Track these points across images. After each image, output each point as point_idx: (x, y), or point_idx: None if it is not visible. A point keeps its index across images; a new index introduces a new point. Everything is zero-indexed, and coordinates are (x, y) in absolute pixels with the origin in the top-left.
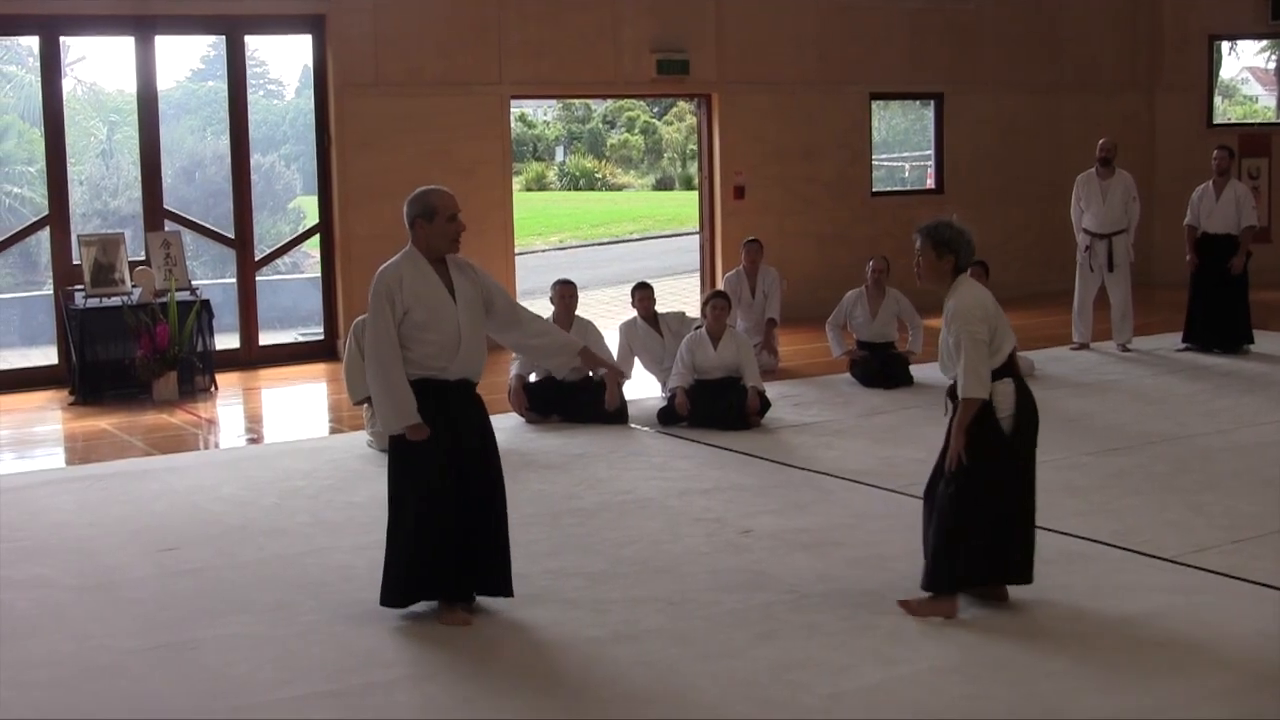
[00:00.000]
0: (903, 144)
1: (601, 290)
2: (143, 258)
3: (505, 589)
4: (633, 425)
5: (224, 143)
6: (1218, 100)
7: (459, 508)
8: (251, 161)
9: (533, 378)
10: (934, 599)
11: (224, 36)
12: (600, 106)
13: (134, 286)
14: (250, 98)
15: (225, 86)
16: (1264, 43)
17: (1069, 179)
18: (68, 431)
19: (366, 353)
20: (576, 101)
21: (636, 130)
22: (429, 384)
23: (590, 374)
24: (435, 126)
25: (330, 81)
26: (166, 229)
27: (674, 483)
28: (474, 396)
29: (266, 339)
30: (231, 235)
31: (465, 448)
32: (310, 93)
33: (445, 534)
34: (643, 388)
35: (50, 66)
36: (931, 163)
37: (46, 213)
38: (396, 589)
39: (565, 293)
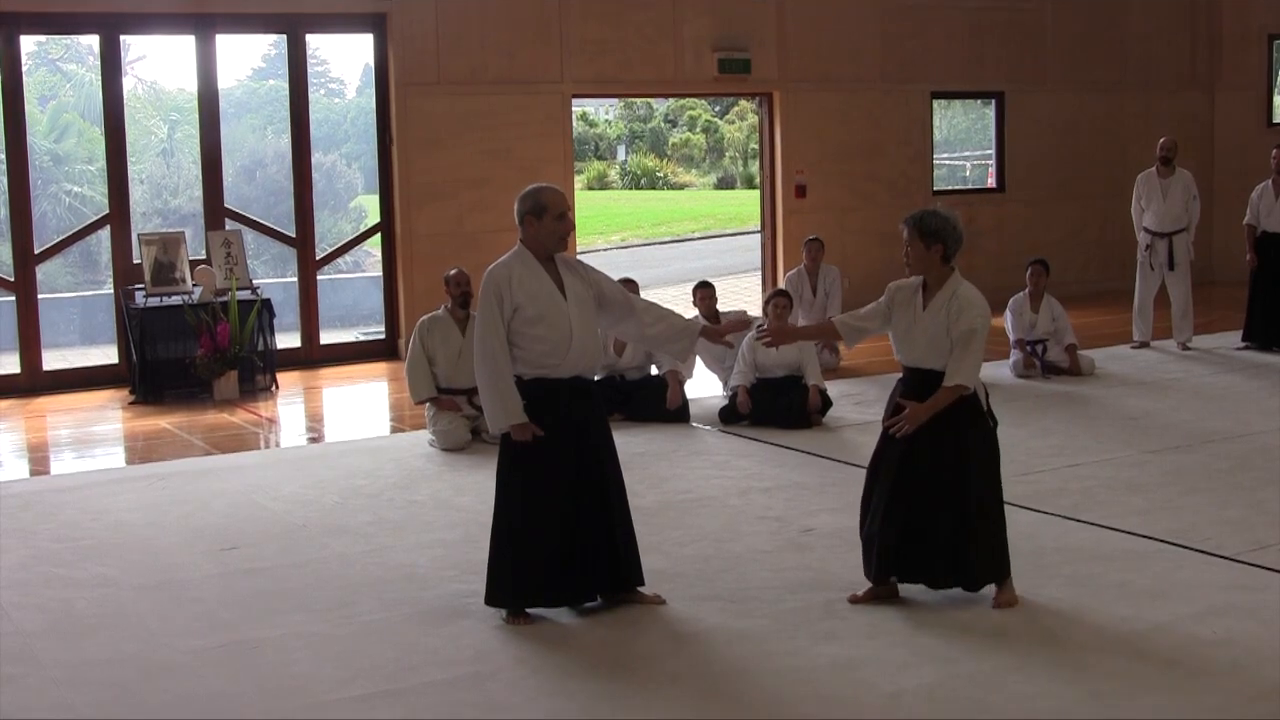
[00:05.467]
0: (964, 142)
1: (663, 289)
2: (203, 256)
3: (634, 580)
4: (694, 424)
5: (285, 141)
6: (1277, 99)
7: (573, 508)
8: (312, 160)
9: (594, 376)
10: (1006, 588)
11: (285, 35)
12: (662, 105)
13: (195, 285)
14: (311, 96)
15: (286, 85)
16: None
17: (1129, 178)
18: (128, 430)
19: (475, 351)
20: (638, 100)
21: (698, 129)
22: (542, 383)
23: (652, 372)
24: (497, 125)
25: (392, 80)
26: (227, 228)
27: (735, 481)
28: (588, 394)
29: (327, 338)
30: (292, 234)
31: (580, 446)
32: (371, 91)
33: (553, 536)
34: (704, 386)
35: (111, 65)
36: (992, 161)
37: (107, 211)
38: (503, 590)
39: (628, 290)
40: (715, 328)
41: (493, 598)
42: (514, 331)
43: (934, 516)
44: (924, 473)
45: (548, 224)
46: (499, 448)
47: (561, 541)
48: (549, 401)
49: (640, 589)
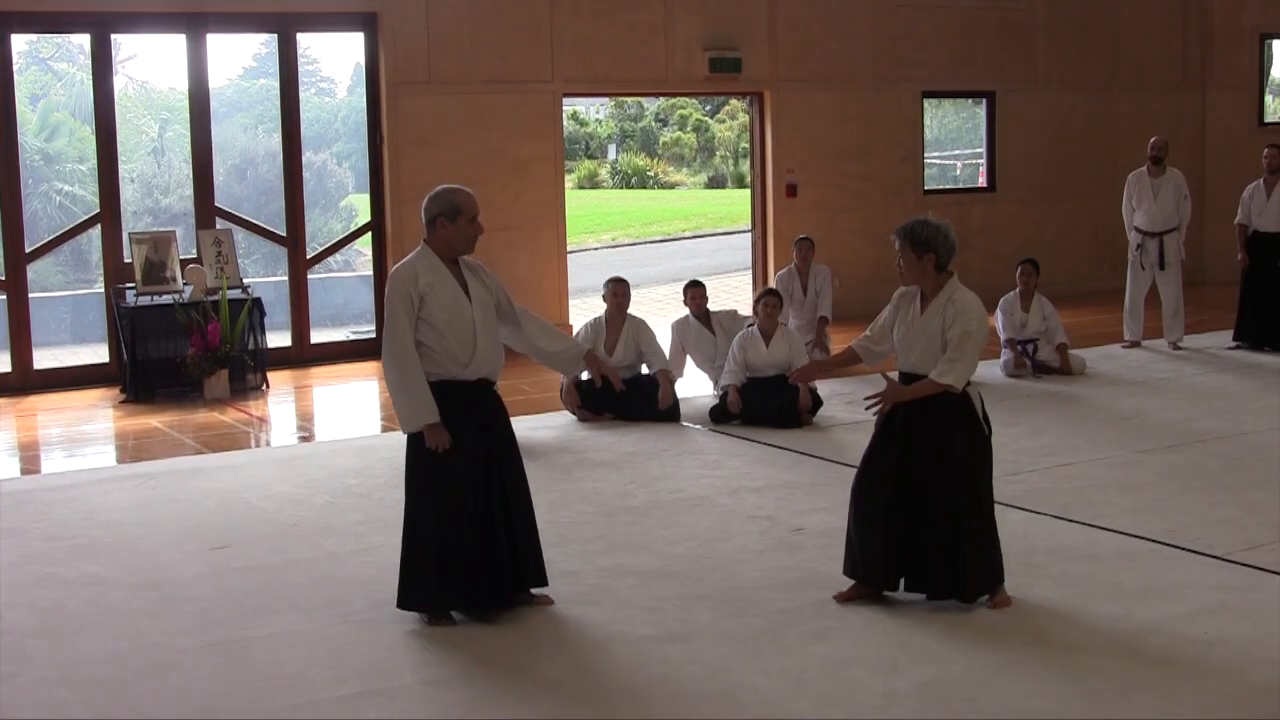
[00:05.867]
0: (955, 142)
1: (654, 288)
2: (194, 255)
3: (539, 579)
4: (685, 423)
5: (275, 140)
6: (1269, 99)
7: (484, 508)
8: (303, 159)
9: (584, 376)
10: (999, 590)
11: (276, 34)
12: (652, 104)
13: (185, 284)
14: (302, 95)
15: (277, 84)
16: None
17: (1121, 177)
18: (119, 429)
19: (384, 353)
20: (629, 99)
21: (689, 128)
22: (450, 385)
23: (642, 372)
24: (487, 125)
25: (382, 79)
26: (218, 227)
27: (726, 481)
28: (494, 396)
29: (318, 337)
30: (283, 233)
31: (488, 447)
32: (362, 90)
33: (469, 537)
34: (695, 386)
35: (102, 64)
36: (983, 161)
37: (98, 210)
38: (419, 591)
39: (618, 291)
40: (597, 358)
41: (409, 601)
42: (421, 335)
43: (928, 526)
44: (919, 483)
45: (461, 227)
46: (406, 450)
47: (476, 542)
48: (456, 402)
49: (537, 590)
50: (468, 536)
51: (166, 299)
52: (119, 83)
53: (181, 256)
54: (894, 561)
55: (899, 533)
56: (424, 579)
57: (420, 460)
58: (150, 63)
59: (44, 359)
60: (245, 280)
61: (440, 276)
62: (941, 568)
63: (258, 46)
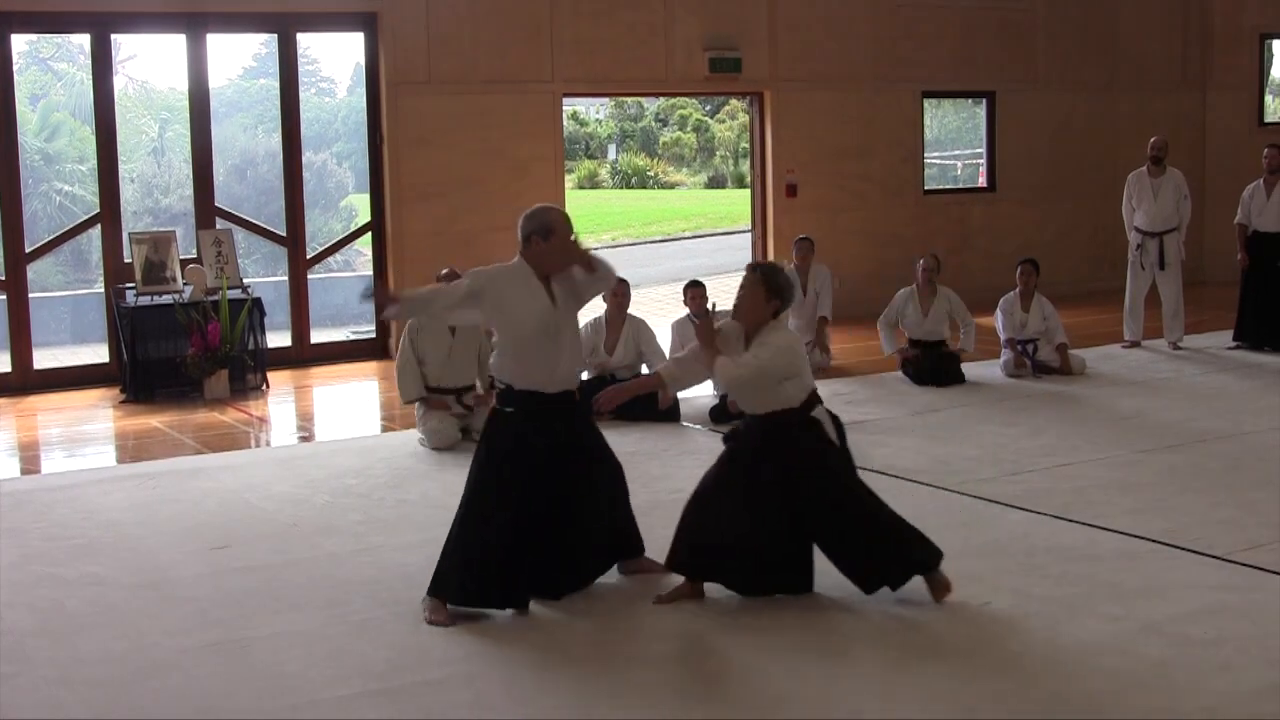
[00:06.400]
0: (955, 142)
1: (654, 288)
2: (194, 255)
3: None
4: (685, 423)
5: (275, 140)
6: (1269, 99)
7: (548, 516)
8: (303, 159)
9: (585, 375)
10: (937, 575)
11: (276, 34)
12: (652, 104)
13: (185, 284)
14: (302, 95)
15: (277, 84)
16: None
17: (1121, 177)
18: (119, 429)
19: (437, 291)
20: (629, 99)
21: (689, 128)
22: (533, 396)
23: (643, 372)
24: (487, 125)
25: (382, 79)
26: (218, 227)
27: None
28: (574, 406)
29: (318, 337)
30: (283, 233)
31: (568, 458)
32: (362, 90)
33: (518, 539)
34: (694, 386)
35: (102, 64)
36: (983, 161)
37: (98, 210)
38: (458, 586)
39: (618, 291)
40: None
41: (444, 591)
42: (505, 342)
43: (819, 521)
44: (791, 489)
45: (554, 245)
46: (477, 447)
47: (524, 546)
48: (539, 415)
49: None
50: (494, 536)
51: (166, 299)
52: (119, 83)
53: (181, 256)
54: (742, 560)
55: (753, 537)
56: (463, 576)
57: (484, 460)
58: (150, 63)
59: (44, 359)
60: (245, 280)
61: (529, 289)
62: (857, 555)
63: (258, 46)
